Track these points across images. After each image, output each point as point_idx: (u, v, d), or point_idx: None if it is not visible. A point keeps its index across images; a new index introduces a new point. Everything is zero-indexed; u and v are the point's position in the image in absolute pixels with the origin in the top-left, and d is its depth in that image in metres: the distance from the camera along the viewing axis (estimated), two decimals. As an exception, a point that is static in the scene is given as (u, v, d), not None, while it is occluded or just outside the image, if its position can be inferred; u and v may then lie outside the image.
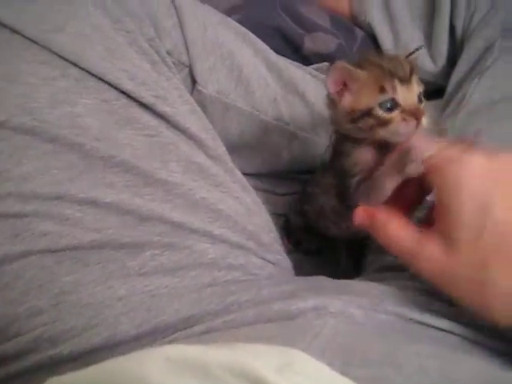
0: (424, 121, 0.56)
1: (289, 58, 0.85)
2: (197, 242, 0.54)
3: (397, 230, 0.51)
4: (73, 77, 0.53)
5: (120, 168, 0.52)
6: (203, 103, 0.70)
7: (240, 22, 0.80)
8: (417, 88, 0.57)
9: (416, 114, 0.56)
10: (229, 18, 0.77)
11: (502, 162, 0.47)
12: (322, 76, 0.87)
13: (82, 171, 0.51)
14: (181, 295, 0.52)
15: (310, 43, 0.90)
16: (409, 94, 0.57)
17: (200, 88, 0.69)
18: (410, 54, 0.61)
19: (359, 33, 0.96)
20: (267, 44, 0.80)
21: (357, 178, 0.60)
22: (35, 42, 0.52)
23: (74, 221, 0.50)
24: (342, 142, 0.63)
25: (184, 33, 0.67)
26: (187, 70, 0.68)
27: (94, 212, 0.51)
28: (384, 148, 0.58)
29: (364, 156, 0.60)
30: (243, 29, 0.77)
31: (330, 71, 0.59)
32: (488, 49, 0.77)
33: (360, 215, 0.54)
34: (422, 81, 0.79)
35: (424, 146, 0.52)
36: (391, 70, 0.56)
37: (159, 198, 0.54)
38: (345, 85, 0.59)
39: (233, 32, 0.75)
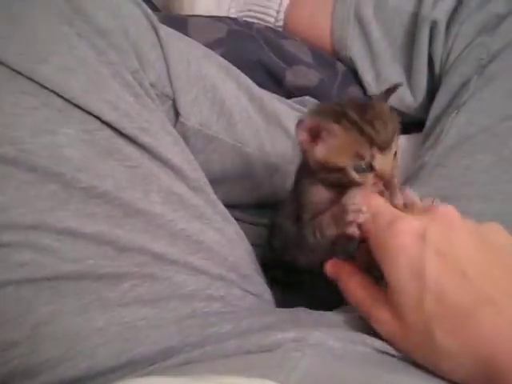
0: (396, 181, 0.56)
1: (271, 91, 0.86)
2: (177, 273, 0.54)
3: (355, 289, 0.53)
4: (55, 107, 0.53)
5: (101, 199, 0.52)
6: (186, 135, 0.70)
7: (223, 55, 0.81)
8: (394, 149, 0.56)
9: (386, 185, 0.55)
10: (212, 52, 0.78)
11: (435, 223, 0.49)
12: (304, 109, 0.88)
13: (62, 201, 0.51)
14: (159, 327, 0.51)
15: (291, 77, 0.91)
16: (386, 160, 0.55)
17: (183, 120, 0.70)
18: (391, 90, 0.60)
19: (341, 67, 0.97)
20: (250, 77, 0.81)
21: (308, 215, 0.59)
22: (19, 73, 0.52)
23: (52, 251, 0.50)
24: (303, 174, 0.62)
25: (168, 65, 0.67)
26: (170, 102, 0.69)
27: (72, 242, 0.50)
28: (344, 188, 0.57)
29: (320, 194, 0.59)
30: (226, 62, 0.79)
31: (302, 123, 0.56)
32: (464, 85, 0.79)
33: (329, 267, 0.57)
34: (402, 114, 0.81)
35: (361, 207, 0.53)
36: (372, 137, 0.54)
37: (139, 228, 0.54)
38: (318, 135, 0.56)
39: (216, 65, 0.76)
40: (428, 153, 0.76)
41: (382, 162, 0.55)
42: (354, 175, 0.55)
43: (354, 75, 0.97)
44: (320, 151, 0.57)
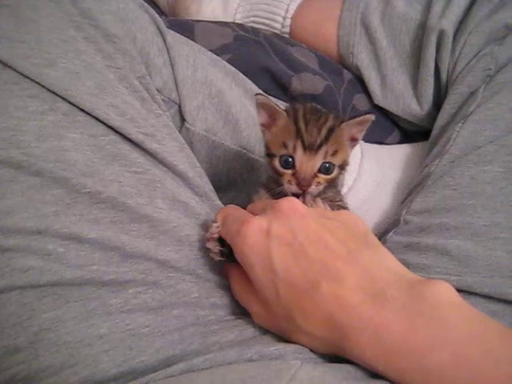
0: (313, 190, 0.59)
1: (277, 97, 0.86)
2: (181, 280, 0.54)
3: (236, 287, 0.57)
4: (61, 111, 0.53)
5: (106, 204, 0.52)
6: (191, 141, 0.70)
7: (230, 61, 0.81)
8: (320, 160, 0.58)
9: (301, 185, 0.58)
10: (219, 58, 0.78)
11: (278, 216, 0.52)
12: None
13: (67, 206, 0.51)
14: (162, 334, 0.51)
15: (297, 84, 0.91)
16: (308, 162, 0.58)
17: (188, 126, 0.70)
18: (358, 116, 0.61)
19: (347, 75, 0.97)
20: (256, 83, 0.81)
21: None
22: (26, 77, 0.52)
23: (56, 256, 0.49)
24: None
25: (174, 71, 0.67)
26: (177, 107, 0.69)
27: (77, 248, 0.50)
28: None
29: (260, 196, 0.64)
30: (232, 68, 0.79)
31: (256, 105, 0.61)
32: (471, 94, 0.79)
33: (223, 271, 0.60)
34: (408, 123, 0.81)
35: (214, 220, 0.58)
36: (301, 133, 0.58)
37: (144, 234, 0.54)
38: (274, 121, 0.61)
39: (222, 71, 0.76)
40: (434, 162, 0.76)
41: (303, 161, 0.58)
42: (278, 166, 0.59)
43: (361, 83, 0.97)
44: (268, 134, 0.62)
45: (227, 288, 0.58)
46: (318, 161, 0.58)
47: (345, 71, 0.97)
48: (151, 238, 0.54)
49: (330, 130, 0.59)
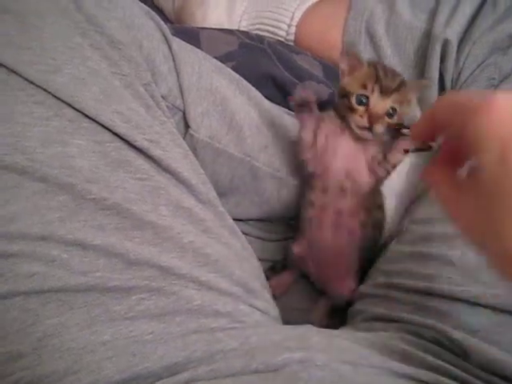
0: (378, 128, 0.71)
1: (281, 105, 0.86)
2: (184, 287, 0.54)
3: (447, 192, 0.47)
4: (67, 117, 0.53)
5: (111, 210, 0.52)
6: (195, 147, 0.71)
7: (234, 68, 0.81)
8: (389, 104, 0.71)
9: (371, 119, 0.71)
10: (223, 65, 0.79)
11: None
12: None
13: (71, 212, 0.51)
14: (166, 341, 0.51)
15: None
16: (380, 103, 0.71)
17: (192, 133, 0.70)
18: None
19: (351, 83, 0.97)
20: (260, 91, 0.81)
21: None
22: (32, 83, 0.52)
23: (60, 262, 0.49)
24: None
25: (179, 78, 0.68)
26: (181, 114, 0.69)
27: (81, 254, 0.50)
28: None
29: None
30: (237, 76, 0.79)
31: (346, 54, 0.76)
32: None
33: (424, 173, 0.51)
34: None
35: None
36: (380, 78, 0.71)
37: (148, 241, 0.54)
38: (353, 70, 0.74)
39: (227, 79, 0.76)
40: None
41: (377, 101, 0.71)
42: (353, 102, 0.72)
43: (364, 91, 0.97)
44: (346, 79, 0.75)
45: (230, 296, 0.57)
46: (388, 103, 0.71)
47: (349, 79, 0.98)
48: (155, 244, 0.54)
49: (401, 84, 0.72)
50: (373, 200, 0.77)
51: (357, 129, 0.73)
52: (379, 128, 0.71)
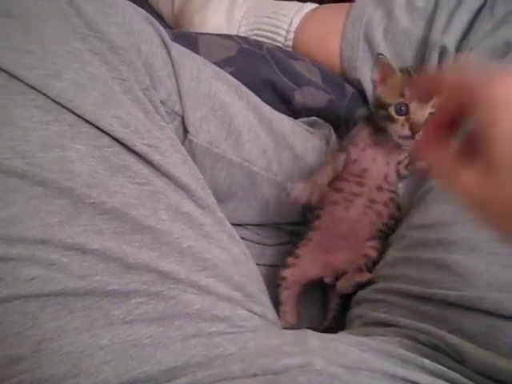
0: (420, 136, 0.70)
1: (279, 111, 0.86)
2: (183, 292, 0.54)
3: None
4: (66, 122, 0.53)
5: (109, 215, 0.52)
6: (194, 153, 0.71)
7: (233, 73, 0.82)
8: (429, 109, 0.71)
9: (413, 128, 0.71)
10: (222, 70, 0.79)
11: None
12: (312, 130, 0.88)
13: (71, 216, 0.51)
14: (164, 345, 0.51)
15: (300, 97, 0.91)
16: (420, 111, 0.71)
17: (191, 138, 0.70)
18: None
19: (349, 89, 0.97)
20: (258, 96, 0.82)
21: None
22: (32, 87, 0.52)
23: (59, 266, 0.50)
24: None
25: (178, 83, 0.68)
26: (180, 119, 0.69)
27: (80, 258, 0.50)
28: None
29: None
30: (235, 81, 0.79)
31: (376, 62, 0.77)
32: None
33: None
34: None
35: None
36: (416, 86, 0.68)
37: (147, 245, 0.54)
38: (385, 79, 0.75)
39: (225, 84, 0.76)
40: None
41: (416, 109, 0.71)
42: (393, 112, 0.72)
43: (363, 97, 0.98)
44: (380, 89, 0.76)
45: (228, 300, 0.58)
46: (427, 110, 0.71)
47: (347, 85, 0.98)
48: (154, 249, 0.54)
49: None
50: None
51: (398, 139, 0.74)
52: (421, 135, 0.71)
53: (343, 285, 0.77)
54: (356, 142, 0.80)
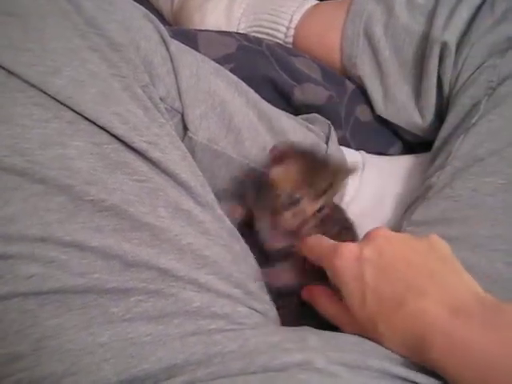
0: (306, 229, 0.67)
1: (279, 107, 0.86)
2: (182, 289, 0.54)
3: (326, 306, 0.64)
4: (65, 119, 0.53)
5: (109, 212, 0.52)
6: (193, 150, 0.71)
7: (232, 70, 0.81)
8: (320, 203, 0.66)
9: (300, 222, 0.66)
10: (221, 67, 0.79)
11: (368, 243, 0.59)
12: (312, 126, 0.88)
13: (70, 214, 0.51)
14: (164, 343, 0.51)
15: (299, 94, 0.91)
16: (311, 205, 0.66)
17: (191, 135, 0.70)
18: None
19: (350, 85, 0.97)
20: (258, 93, 0.81)
21: None
22: (31, 85, 0.52)
23: (59, 264, 0.49)
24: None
25: (177, 80, 0.68)
26: (179, 116, 0.69)
27: (79, 256, 0.50)
28: None
29: None
30: (235, 78, 0.79)
31: (276, 148, 0.70)
32: (474, 106, 0.79)
33: (304, 293, 0.68)
34: (411, 135, 0.83)
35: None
36: (313, 181, 0.66)
37: (146, 242, 0.54)
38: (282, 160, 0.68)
39: (225, 81, 0.76)
40: (436, 174, 0.76)
41: (306, 204, 0.66)
42: (284, 201, 0.66)
43: (363, 93, 0.97)
44: (276, 171, 0.68)
45: (228, 297, 0.58)
46: (319, 204, 0.67)
47: (347, 82, 0.98)
48: (153, 246, 0.54)
49: (334, 177, 0.68)
50: None
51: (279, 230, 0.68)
52: (309, 225, 0.67)
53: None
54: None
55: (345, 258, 0.59)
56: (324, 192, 0.67)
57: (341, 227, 0.75)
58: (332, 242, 0.64)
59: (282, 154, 0.69)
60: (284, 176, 0.68)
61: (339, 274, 0.59)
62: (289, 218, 0.67)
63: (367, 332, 0.57)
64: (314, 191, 0.67)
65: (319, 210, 0.68)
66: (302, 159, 0.68)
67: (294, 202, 0.66)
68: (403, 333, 0.53)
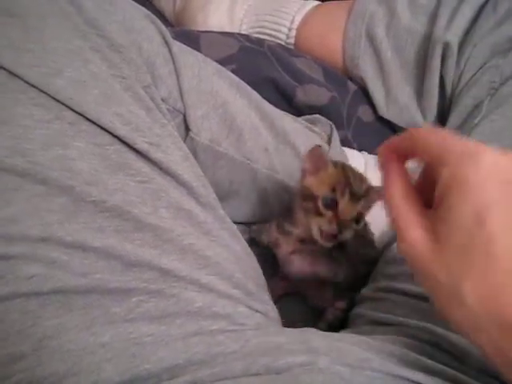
0: (347, 234, 0.67)
1: (281, 108, 0.86)
2: (184, 289, 0.54)
3: (398, 198, 0.47)
4: (67, 120, 0.53)
5: (110, 213, 0.52)
6: (195, 150, 0.71)
7: (234, 71, 0.81)
8: (358, 209, 0.68)
9: (341, 226, 0.66)
10: (223, 68, 0.79)
11: None
12: (314, 128, 0.88)
13: (71, 214, 0.51)
14: (166, 343, 0.51)
15: (302, 95, 0.91)
16: (349, 208, 0.67)
17: (193, 135, 0.70)
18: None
19: (352, 86, 0.97)
20: (260, 94, 0.81)
21: None
22: (32, 85, 0.52)
23: (60, 264, 0.49)
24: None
25: (179, 81, 0.68)
26: (181, 117, 0.69)
27: (81, 256, 0.50)
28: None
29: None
30: (237, 79, 0.79)
31: (309, 151, 0.70)
32: (476, 107, 0.79)
33: (382, 150, 0.50)
34: None
35: None
36: (350, 182, 0.68)
37: (148, 243, 0.54)
38: (317, 170, 0.70)
39: (227, 82, 0.76)
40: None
41: (346, 205, 0.67)
42: (321, 204, 0.67)
43: (365, 94, 0.98)
44: (309, 179, 0.70)
45: (230, 298, 0.57)
46: (357, 208, 0.68)
47: (349, 82, 0.98)
48: (155, 246, 0.54)
49: (368, 189, 0.69)
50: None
51: (319, 236, 0.68)
52: (348, 234, 0.68)
53: (329, 317, 0.76)
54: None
55: (486, 174, 0.42)
56: (361, 197, 0.67)
57: (362, 245, 0.77)
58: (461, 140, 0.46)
59: (315, 165, 0.70)
60: (318, 182, 0.69)
61: (464, 190, 0.42)
62: (327, 221, 0.67)
63: (439, 276, 0.43)
64: (351, 193, 0.67)
65: (357, 220, 0.68)
66: (338, 167, 0.70)
67: (333, 204, 0.67)
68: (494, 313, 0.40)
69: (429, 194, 0.47)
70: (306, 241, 0.72)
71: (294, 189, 0.75)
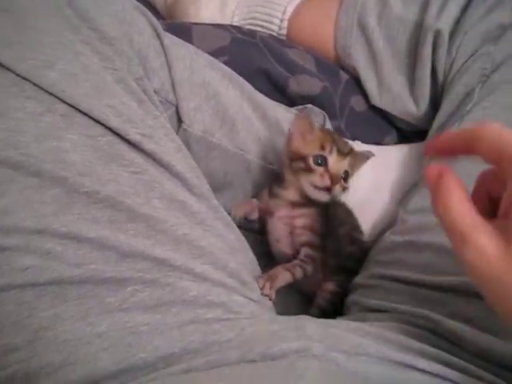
0: (337, 189, 0.72)
1: (274, 99, 0.87)
2: (179, 279, 0.54)
3: (458, 204, 0.43)
4: (59, 112, 0.53)
5: (104, 203, 0.52)
6: (188, 142, 0.71)
7: (227, 63, 0.82)
8: (345, 166, 0.74)
9: (333, 179, 0.72)
10: (215, 60, 0.79)
11: None
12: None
13: (65, 206, 0.51)
14: (162, 332, 0.51)
15: (294, 85, 0.91)
16: (338, 164, 0.73)
17: (186, 127, 0.70)
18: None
19: (344, 76, 0.97)
20: (253, 85, 0.82)
21: None
22: (24, 78, 0.52)
23: (55, 255, 0.50)
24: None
25: (171, 73, 0.68)
26: (174, 108, 0.69)
27: (75, 247, 0.50)
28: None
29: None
30: (229, 70, 0.79)
31: (297, 118, 0.76)
32: (468, 94, 0.79)
33: (430, 170, 0.46)
34: (406, 123, 0.83)
35: None
36: (336, 141, 0.74)
37: (142, 233, 0.54)
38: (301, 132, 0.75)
39: (219, 73, 0.76)
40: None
41: (335, 161, 0.73)
42: (311, 162, 0.72)
43: (358, 84, 0.98)
44: (296, 144, 0.75)
45: (224, 287, 0.58)
46: (345, 164, 0.73)
47: (342, 72, 0.98)
48: (149, 237, 0.54)
49: (351, 149, 0.76)
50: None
51: (313, 190, 0.73)
52: (338, 189, 0.73)
53: (319, 302, 0.77)
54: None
55: None
56: (346, 155, 0.73)
57: (350, 227, 0.80)
58: None
59: (302, 130, 0.75)
60: (306, 145, 0.74)
61: None
62: (319, 177, 0.72)
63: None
64: (338, 151, 0.73)
65: (345, 178, 0.74)
66: (324, 130, 0.77)
67: (322, 161, 0.72)
68: None
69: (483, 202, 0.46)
70: (297, 204, 0.76)
71: (281, 153, 0.80)
